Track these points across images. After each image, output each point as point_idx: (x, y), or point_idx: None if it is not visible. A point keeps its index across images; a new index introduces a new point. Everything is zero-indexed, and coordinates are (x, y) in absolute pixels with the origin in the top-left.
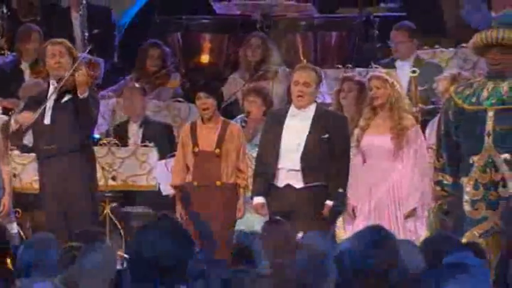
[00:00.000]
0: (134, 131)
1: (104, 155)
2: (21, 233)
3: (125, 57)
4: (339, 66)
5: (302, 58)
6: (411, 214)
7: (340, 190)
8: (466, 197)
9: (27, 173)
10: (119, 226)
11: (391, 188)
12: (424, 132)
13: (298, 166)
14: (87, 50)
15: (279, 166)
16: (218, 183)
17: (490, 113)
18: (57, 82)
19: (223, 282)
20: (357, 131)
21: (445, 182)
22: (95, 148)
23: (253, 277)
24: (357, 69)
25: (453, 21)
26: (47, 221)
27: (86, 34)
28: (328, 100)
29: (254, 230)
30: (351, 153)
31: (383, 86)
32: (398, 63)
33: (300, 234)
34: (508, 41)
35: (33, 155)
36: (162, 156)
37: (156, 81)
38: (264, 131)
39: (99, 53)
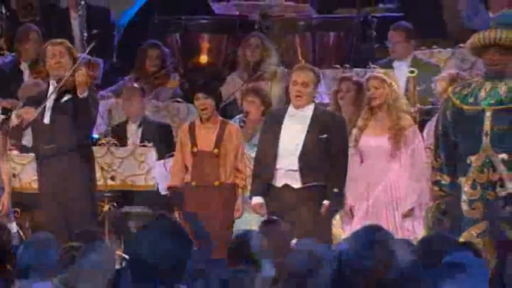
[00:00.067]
0: (133, 131)
1: (103, 155)
2: (21, 233)
3: (124, 57)
4: (337, 66)
5: (300, 58)
6: (409, 214)
7: (336, 190)
8: (463, 197)
9: (26, 172)
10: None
11: (389, 187)
12: (422, 132)
13: (296, 166)
14: (89, 49)
15: (277, 166)
16: (217, 183)
17: (488, 113)
18: (57, 82)
19: (223, 282)
20: (354, 131)
21: (443, 182)
22: (94, 148)
23: (253, 277)
24: (355, 69)
25: (453, 23)
26: (46, 221)
27: (85, 34)
28: (326, 100)
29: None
30: (348, 153)
31: (381, 86)
32: (395, 64)
33: (294, 241)
34: (505, 42)
35: (32, 155)
36: (160, 156)
37: (155, 81)
38: (263, 131)
39: (98, 53)
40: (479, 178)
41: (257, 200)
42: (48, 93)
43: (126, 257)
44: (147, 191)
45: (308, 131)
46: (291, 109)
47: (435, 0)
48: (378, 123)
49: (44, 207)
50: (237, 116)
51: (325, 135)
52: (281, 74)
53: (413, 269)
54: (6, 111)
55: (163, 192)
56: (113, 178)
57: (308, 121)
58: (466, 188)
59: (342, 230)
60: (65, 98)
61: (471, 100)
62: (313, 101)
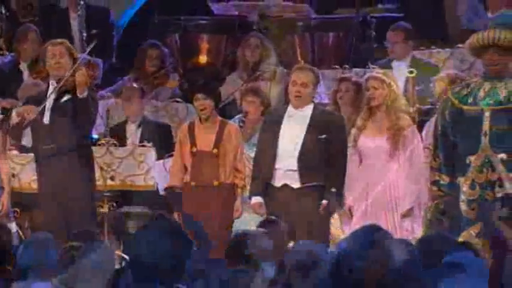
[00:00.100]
0: (132, 131)
1: (102, 155)
2: (20, 233)
3: (123, 57)
4: (336, 66)
5: (300, 59)
6: (408, 214)
7: (334, 189)
8: (462, 197)
9: (26, 173)
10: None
11: (388, 188)
12: (421, 132)
13: (295, 166)
14: (89, 49)
15: (277, 166)
16: (216, 183)
17: (487, 113)
18: (56, 82)
19: (222, 282)
20: (353, 131)
21: (442, 182)
22: (94, 148)
23: (252, 277)
24: (354, 69)
25: (453, 26)
26: (46, 221)
27: (84, 34)
28: (326, 100)
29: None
30: (347, 153)
31: (380, 87)
32: (394, 64)
33: (290, 244)
34: (504, 42)
35: (32, 155)
36: (160, 156)
37: (154, 81)
38: (262, 131)
39: (98, 53)
40: (478, 178)
41: (256, 199)
42: (48, 93)
43: (126, 257)
44: (146, 191)
45: (307, 131)
46: (290, 109)
47: (434, 0)
48: (377, 124)
49: (43, 207)
50: (236, 116)
51: (324, 136)
52: (280, 74)
53: (412, 269)
54: (6, 111)
55: (162, 192)
56: (112, 178)
57: (307, 121)
58: (464, 188)
59: (341, 230)
60: (65, 98)
61: (470, 100)
62: (313, 101)
